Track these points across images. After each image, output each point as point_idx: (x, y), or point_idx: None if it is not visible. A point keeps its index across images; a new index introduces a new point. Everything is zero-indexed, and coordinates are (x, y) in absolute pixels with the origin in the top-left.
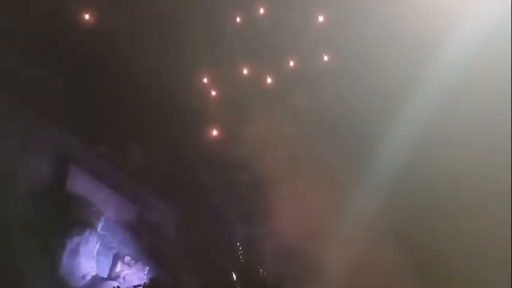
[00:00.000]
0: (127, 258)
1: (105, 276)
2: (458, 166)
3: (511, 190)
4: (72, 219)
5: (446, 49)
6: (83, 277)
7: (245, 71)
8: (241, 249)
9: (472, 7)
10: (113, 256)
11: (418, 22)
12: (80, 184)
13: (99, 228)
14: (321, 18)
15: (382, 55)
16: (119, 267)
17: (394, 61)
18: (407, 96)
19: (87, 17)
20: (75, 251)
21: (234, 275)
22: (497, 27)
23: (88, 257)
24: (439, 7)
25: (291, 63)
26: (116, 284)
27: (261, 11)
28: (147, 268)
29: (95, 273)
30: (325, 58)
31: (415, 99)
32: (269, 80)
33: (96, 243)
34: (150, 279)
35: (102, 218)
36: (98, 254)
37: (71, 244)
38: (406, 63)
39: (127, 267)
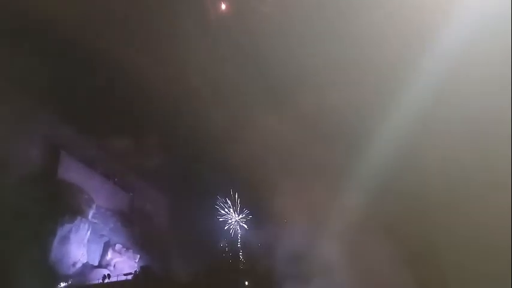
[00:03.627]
0: (118, 246)
1: (96, 264)
2: (452, 158)
3: (511, 181)
4: (64, 206)
5: (442, 44)
6: (73, 264)
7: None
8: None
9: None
10: (104, 244)
11: (413, 20)
12: (72, 172)
13: (90, 216)
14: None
15: (377, 52)
16: (109, 255)
17: (389, 57)
18: (401, 91)
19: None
20: (66, 238)
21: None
22: (496, 26)
23: (79, 244)
24: (434, 4)
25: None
26: (106, 271)
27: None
28: (138, 256)
29: (85, 261)
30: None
31: (409, 95)
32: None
33: (87, 231)
34: (141, 268)
35: (94, 206)
36: (88, 241)
37: (61, 231)
38: (401, 59)
39: (118, 255)
